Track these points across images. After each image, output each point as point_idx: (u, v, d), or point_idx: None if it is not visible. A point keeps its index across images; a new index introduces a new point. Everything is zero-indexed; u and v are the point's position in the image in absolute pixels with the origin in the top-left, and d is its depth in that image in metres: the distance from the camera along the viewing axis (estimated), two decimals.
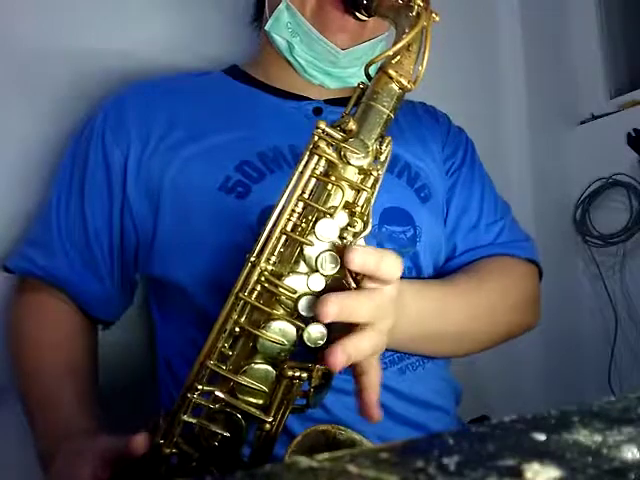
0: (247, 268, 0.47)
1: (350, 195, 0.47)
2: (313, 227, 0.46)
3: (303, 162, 0.48)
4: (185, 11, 0.98)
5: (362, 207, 0.47)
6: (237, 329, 0.47)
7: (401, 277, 0.48)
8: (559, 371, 1.28)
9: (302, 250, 0.46)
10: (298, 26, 0.71)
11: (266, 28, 0.74)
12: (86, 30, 0.90)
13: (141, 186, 0.71)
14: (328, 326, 0.45)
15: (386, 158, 0.49)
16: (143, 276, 0.81)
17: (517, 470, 0.23)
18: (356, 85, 0.76)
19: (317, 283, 0.46)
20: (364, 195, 0.47)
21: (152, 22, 0.95)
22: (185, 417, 0.47)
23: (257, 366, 0.47)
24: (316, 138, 0.47)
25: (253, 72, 0.81)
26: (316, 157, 0.47)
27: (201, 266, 0.67)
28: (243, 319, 0.47)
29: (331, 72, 0.74)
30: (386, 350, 0.52)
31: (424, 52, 0.50)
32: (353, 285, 0.46)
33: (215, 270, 0.66)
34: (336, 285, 0.46)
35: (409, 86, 0.49)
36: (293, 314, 0.46)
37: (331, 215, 0.46)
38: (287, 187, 0.47)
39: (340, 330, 0.46)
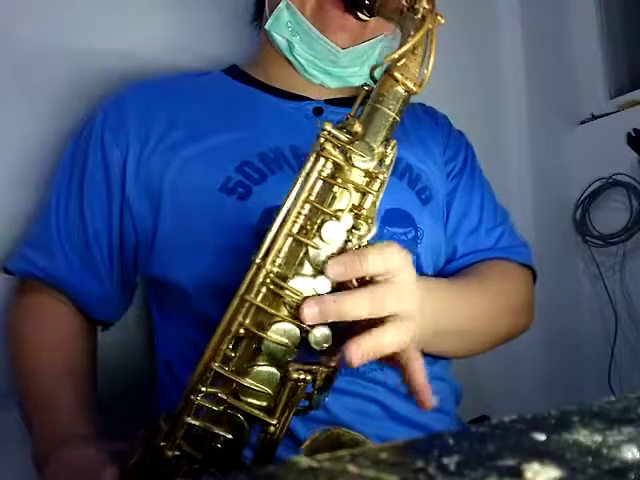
0: (253, 270, 0.47)
1: (356, 198, 0.47)
2: (319, 229, 0.46)
3: (309, 164, 0.48)
4: (185, 11, 0.98)
5: (367, 210, 0.47)
6: (242, 331, 0.47)
7: None
8: (559, 371, 1.28)
9: (307, 252, 0.46)
10: (298, 25, 0.71)
11: (266, 27, 0.74)
12: (86, 30, 0.90)
13: (141, 186, 0.71)
14: (333, 328, 0.45)
15: (391, 161, 0.50)
16: (143, 277, 0.81)
17: (517, 470, 0.23)
18: (357, 85, 0.78)
19: (323, 285, 0.46)
20: (370, 198, 0.47)
21: (152, 22, 0.95)
22: (189, 419, 0.47)
23: (261, 368, 0.47)
24: (322, 140, 0.47)
25: (253, 72, 0.81)
26: (322, 159, 0.47)
27: (201, 267, 0.67)
28: (248, 321, 0.46)
29: (331, 71, 0.74)
30: None
31: (430, 55, 0.50)
32: (355, 284, 0.46)
33: (216, 271, 0.66)
34: (342, 287, 0.46)
35: (415, 89, 0.49)
36: (298, 316, 0.46)
37: (337, 218, 0.46)
38: (293, 188, 0.47)
39: (349, 329, 0.46)
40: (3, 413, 0.77)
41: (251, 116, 0.75)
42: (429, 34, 0.50)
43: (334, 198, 0.47)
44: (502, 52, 1.35)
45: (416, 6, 0.51)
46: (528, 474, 0.23)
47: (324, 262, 0.46)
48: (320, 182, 0.47)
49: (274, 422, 0.46)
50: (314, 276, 0.46)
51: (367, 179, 0.48)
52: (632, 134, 1.26)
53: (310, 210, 0.47)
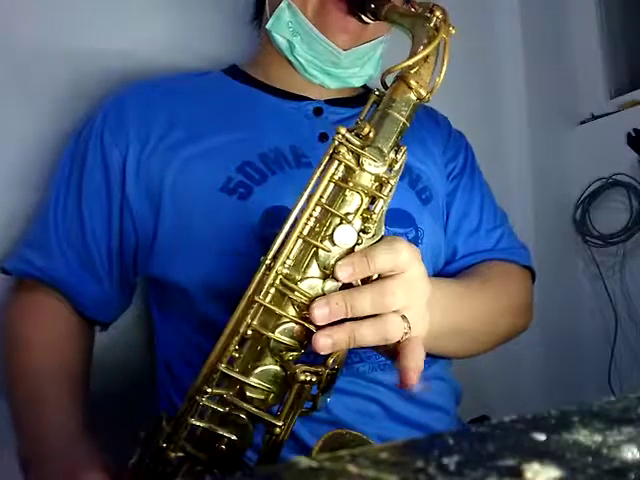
0: (262, 270, 0.47)
1: (365, 202, 0.48)
2: (329, 232, 0.46)
3: (322, 166, 0.48)
4: (185, 11, 0.98)
5: (377, 214, 0.48)
6: (249, 332, 0.47)
7: None
8: (559, 371, 1.28)
9: (317, 254, 0.47)
10: (299, 25, 0.71)
11: (267, 27, 0.74)
12: (86, 30, 0.90)
13: (141, 187, 0.71)
14: None
15: (400, 167, 0.50)
16: (143, 277, 0.81)
17: (517, 470, 0.23)
18: (357, 86, 0.78)
19: (331, 286, 0.46)
20: (380, 203, 0.48)
21: (152, 22, 0.95)
22: (193, 420, 0.47)
23: (267, 369, 0.47)
24: (337, 143, 0.47)
25: (253, 72, 0.81)
26: (336, 162, 0.47)
27: (202, 267, 0.67)
28: (256, 322, 0.47)
29: (331, 72, 0.74)
30: None
31: (442, 64, 0.50)
32: (359, 283, 0.46)
33: (216, 271, 0.66)
34: (349, 284, 0.47)
35: (427, 97, 0.50)
36: (306, 317, 0.46)
37: (349, 222, 0.46)
38: (306, 190, 0.47)
39: None
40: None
41: (251, 116, 0.75)
42: (442, 44, 0.51)
43: (344, 201, 0.47)
44: (502, 52, 1.35)
45: (429, 15, 0.52)
46: (528, 474, 0.23)
47: (333, 265, 0.46)
48: (332, 185, 0.47)
49: (280, 424, 0.46)
50: (323, 277, 0.46)
51: (377, 184, 0.48)
52: (632, 134, 1.26)
53: (321, 212, 0.47)
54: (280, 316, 0.46)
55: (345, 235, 0.46)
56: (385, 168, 0.48)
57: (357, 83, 0.77)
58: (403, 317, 0.46)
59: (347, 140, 0.47)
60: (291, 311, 0.47)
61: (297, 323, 0.46)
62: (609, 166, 1.31)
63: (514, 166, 1.33)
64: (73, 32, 0.89)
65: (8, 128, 0.84)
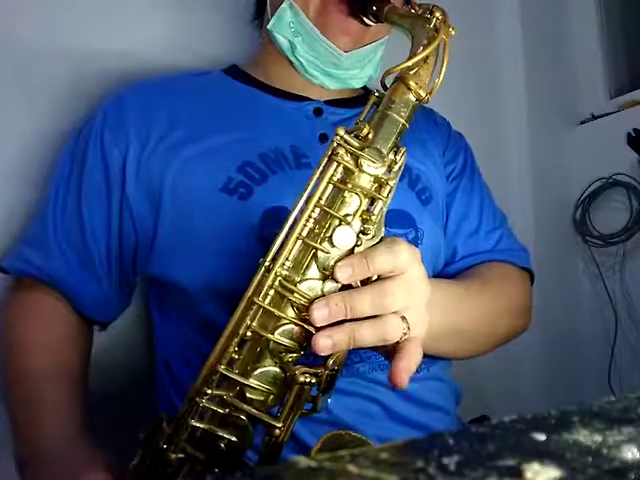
0: (261, 272, 0.47)
1: (365, 203, 0.48)
2: (328, 234, 0.46)
3: (321, 167, 0.48)
4: (185, 11, 0.98)
5: (376, 215, 0.48)
6: (249, 333, 0.47)
7: None
8: (559, 371, 1.28)
9: (316, 256, 0.47)
10: (300, 26, 0.71)
11: (268, 27, 0.74)
12: (86, 30, 0.90)
13: (141, 186, 0.71)
14: None
15: (399, 168, 0.50)
16: (143, 277, 0.81)
17: (517, 470, 0.23)
18: (357, 87, 0.78)
19: (331, 288, 0.46)
20: (379, 204, 0.48)
21: (152, 22, 0.95)
22: (193, 422, 0.47)
23: (267, 371, 0.47)
24: (335, 144, 0.47)
25: (253, 72, 0.81)
26: (335, 164, 0.47)
27: (202, 267, 0.67)
28: (255, 323, 0.47)
29: (332, 73, 0.74)
30: None
31: (442, 65, 0.50)
32: (359, 284, 0.46)
33: (216, 271, 0.66)
34: (348, 285, 0.47)
35: (427, 97, 0.50)
36: (305, 319, 0.46)
37: (348, 223, 0.46)
38: (305, 192, 0.47)
39: None
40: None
41: (251, 116, 0.75)
42: (442, 45, 0.51)
43: (343, 202, 0.47)
44: (502, 52, 1.35)
45: (429, 16, 0.52)
46: (528, 474, 0.23)
47: (333, 266, 0.46)
48: (331, 186, 0.47)
49: (279, 425, 0.46)
50: (322, 279, 0.46)
51: (376, 185, 0.48)
52: (632, 134, 1.26)
53: (320, 214, 0.47)
54: (279, 317, 0.46)
55: (344, 236, 0.46)
56: (384, 169, 0.48)
57: (357, 84, 0.77)
58: (402, 318, 0.46)
59: (346, 141, 0.47)
60: (290, 312, 0.47)
61: (296, 324, 0.46)
62: (609, 166, 1.31)
63: (514, 166, 1.33)
64: (73, 32, 0.89)
65: (8, 127, 0.84)
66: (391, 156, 0.49)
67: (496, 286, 0.75)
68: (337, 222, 0.47)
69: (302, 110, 0.76)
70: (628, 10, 1.43)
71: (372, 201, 0.48)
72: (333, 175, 0.47)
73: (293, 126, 0.74)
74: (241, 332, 0.47)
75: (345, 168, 0.47)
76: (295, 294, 0.46)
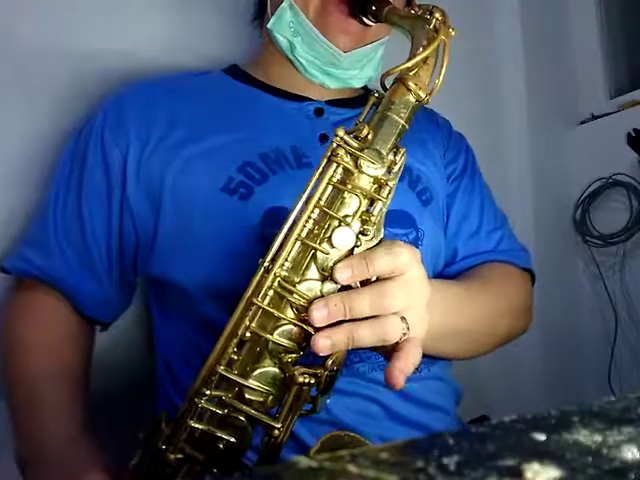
0: (260, 273, 0.47)
1: (364, 204, 0.48)
2: (327, 234, 0.46)
3: (320, 168, 0.48)
4: (185, 11, 0.98)
5: (376, 216, 0.48)
6: (248, 334, 0.47)
7: None
8: (559, 371, 1.28)
9: (316, 256, 0.47)
10: (300, 26, 0.71)
11: (268, 26, 0.74)
12: (86, 30, 0.90)
13: (141, 186, 0.71)
14: None
15: (399, 169, 0.50)
16: (143, 277, 0.81)
17: (517, 470, 0.23)
18: (357, 87, 0.78)
19: (330, 289, 0.46)
20: (379, 205, 0.48)
21: (152, 22, 0.95)
22: (192, 422, 0.47)
23: (266, 371, 0.47)
24: (335, 145, 0.47)
25: (253, 72, 0.81)
26: (334, 164, 0.47)
27: (202, 267, 0.67)
28: (254, 324, 0.47)
29: (332, 72, 0.74)
30: None
31: (441, 66, 0.50)
32: (359, 285, 0.46)
33: (216, 271, 0.66)
34: (347, 286, 0.47)
35: (426, 98, 0.50)
36: (304, 319, 0.46)
37: (348, 224, 0.46)
38: (304, 192, 0.47)
39: None
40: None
41: (251, 116, 0.75)
42: (441, 46, 0.51)
43: (342, 203, 0.47)
44: (502, 53, 1.35)
45: (428, 17, 0.52)
46: (528, 474, 0.23)
47: (332, 267, 0.46)
48: (330, 187, 0.47)
49: (278, 426, 0.46)
50: (321, 280, 0.46)
51: (375, 186, 0.48)
52: (632, 134, 1.26)
53: (319, 214, 0.47)
54: (279, 318, 0.46)
55: (343, 237, 0.46)
56: (384, 170, 0.48)
57: (357, 84, 0.77)
58: (402, 318, 0.46)
59: (345, 142, 0.47)
60: (290, 313, 0.47)
61: (296, 325, 0.46)
62: (609, 166, 1.31)
63: (514, 166, 1.33)
64: (73, 32, 0.89)
65: (8, 128, 0.84)
66: (391, 157, 0.49)
67: (497, 286, 0.75)
68: (336, 223, 0.47)
69: (303, 110, 0.76)
70: (628, 10, 1.43)
71: (372, 202, 0.48)
72: (333, 176, 0.47)
73: (294, 126, 0.74)
74: (240, 333, 0.47)
75: (345, 169, 0.47)
76: (294, 295, 0.46)
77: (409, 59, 0.50)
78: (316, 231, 0.47)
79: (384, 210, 0.49)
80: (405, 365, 0.45)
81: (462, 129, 0.90)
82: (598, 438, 0.26)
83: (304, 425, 0.60)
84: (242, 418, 0.46)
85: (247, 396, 0.46)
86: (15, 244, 0.78)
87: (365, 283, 0.47)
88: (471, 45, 1.26)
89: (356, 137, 0.48)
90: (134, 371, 0.88)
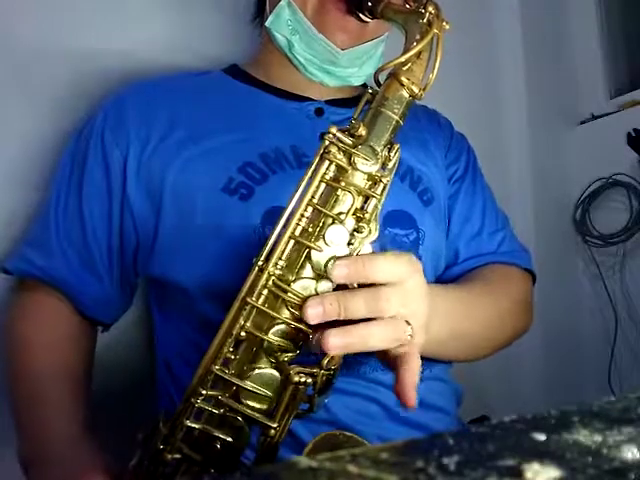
0: (254, 272, 0.47)
1: (358, 201, 0.47)
2: (321, 232, 0.46)
3: (313, 166, 0.48)
4: (185, 11, 0.98)
5: (370, 213, 0.47)
6: (243, 333, 0.46)
7: None
8: (559, 371, 1.28)
9: (310, 255, 0.46)
10: (298, 24, 0.71)
11: (266, 24, 0.74)
12: (86, 30, 0.90)
13: (142, 186, 0.71)
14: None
15: (394, 165, 0.50)
16: (143, 277, 0.81)
17: (517, 470, 0.23)
18: (357, 85, 0.78)
19: (325, 288, 0.46)
20: (373, 202, 0.48)
21: (152, 22, 0.95)
22: (189, 422, 0.47)
23: (262, 371, 0.47)
24: (327, 142, 0.47)
25: (253, 72, 0.81)
26: (327, 162, 0.47)
27: (202, 267, 0.67)
28: (249, 324, 0.46)
29: (330, 71, 0.74)
30: None
31: (435, 60, 0.50)
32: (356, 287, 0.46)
33: (217, 272, 0.66)
34: (343, 289, 0.46)
35: (420, 94, 0.50)
36: (300, 318, 0.46)
37: (340, 221, 0.46)
38: (297, 191, 0.47)
39: None
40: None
41: (251, 116, 0.75)
42: (435, 39, 0.50)
43: (337, 201, 0.47)
44: (502, 52, 1.35)
45: (422, 11, 0.51)
46: (528, 474, 0.23)
47: (326, 265, 0.46)
48: (323, 185, 0.47)
49: (275, 425, 0.46)
50: (316, 279, 0.46)
51: (370, 182, 0.48)
52: (632, 134, 1.26)
53: (313, 212, 0.47)
54: (273, 317, 0.46)
55: (337, 235, 0.46)
56: (378, 166, 0.48)
57: (356, 82, 0.77)
58: (406, 322, 0.46)
59: (338, 139, 0.47)
60: (285, 312, 0.46)
61: (291, 324, 0.46)
62: (609, 166, 1.31)
63: (514, 166, 1.33)
64: (73, 32, 0.89)
65: (8, 128, 0.84)
66: (385, 153, 0.49)
67: (498, 288, 0.74)
68: (330, 221, 0.46)
69: (303, 110, 0.76)
70: (628, 10, 1.43)
71: (367, 199, 0.48)
72: (325, 173, 0.47)
73: (294, 126, 0.74)
74: (235, 332, 0.47)
75: (338, 166, 0.47)
76: (289, 293, 0.46)
77: (402, 54, 0.50)
78: (310, 229, 0.47)
79: (379, 207, 0.48)
80: (414, 379, 0.46)
81: (462, 129, 0.90)
82: (598, 438, 0.26)
83: (304, 425, 0.60)
84: (239, 418, 0.46)
85: (243, 396, 0.46)
86: (16, 245, 0.78)
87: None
88: (471, 45, 1.27)
89: (350, 134, 0.48)
90: (134, 371, 0.88)
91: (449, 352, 0.69)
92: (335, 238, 0.46)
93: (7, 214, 0.84)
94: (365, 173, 0.47)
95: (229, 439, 0.47)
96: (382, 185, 0.48)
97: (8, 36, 0.85)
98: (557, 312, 1.28)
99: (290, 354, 0.47)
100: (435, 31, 0.50)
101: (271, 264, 0.46)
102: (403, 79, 0.49)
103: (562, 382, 1.27)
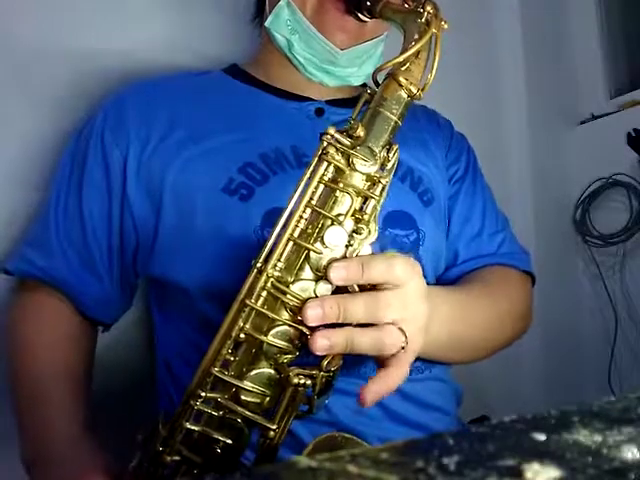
0: (253, 274, 0.47)
1: (357, 202, 0.47)
2: (320, 234, 0.46)
3: (311, 167, 0.47)
4: (185, 11, 0.98)
5: (369, 214, 0.47)
6: (242, 335, 0.46)
7: None
8: (559, 371, 1.28)
9: (309, 256, 0.46)
10: (297, 24, 0.71)
11: (266, 24, 0.74)
12: (86, 30, 0.90)
13: (142, 186, 0.71)
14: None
15: (393, 166, 0.50)
16: (144, 277, 0.81)
17: (517, 470, 0.23)
18: (356, 85, 0.78)
19: (324, 290, 0.46)
20: (372, 203, 0.47)
21: (152, 22, 0.95)
22: (188, 424, 0.47)
23: (261, 372, 0.47)
24: (325, 144, 0.47)
25: (253, 71, 0.80)
26: (325, 163, 0.47)
27: (203, 268, 0.67)
28: (248, 325, 0.46)
29: (330, 70, 0.74)
30: None
31: (434, 60, 0.50)
32: (357, 290, 0.46)
33: (217, 272, 0.66)
34: (343, 291, 0.46)
35: (418, 94, 0.49)
36: (298, 320, 0.46)
37: (339, 222, 0.46)
38: (295, 192, 0.47)
39: None
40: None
41: (252, 116, 0.75)
42: (433, 39, 0.50)
43: (335, 202, 0.47)
44: (502, 52, 1.35)
45: (421, 10, 0.51)
46: (528, 474, 0.23)
47: (325, 266, 0.46)
48: (322, 186, 0.47)
49: (274, 427, 0.46)
50: (315, 280, 0.46)
51: (369, 183, 0.48)
52: (632, 134, 1.26)
53: (312, 214, 0.47)
54: (273, 319, 0.46)
55: (335, 236, 0.46)
56: (376, 167, 0.48)
57: (356, 82, 0.77)
58: (401, 331, 0.46)
59: (336, 140, 0.47)
60: (284, 314, 0.46)
61: (290, 326, 0.46)
62: (609, 166, 1.31)
63: (514, 166, 1.33)
64: (73, 32, 0.89)
65: (8, 128, 0.84)
66: (383, 154, 0.49)
67: (497, 290, 0.74)
68: (329, 222, 0.46)
69: (303, 110, 0.76)
70: (628, 10, 1.43)
71: (365, 200, 0.48)
72: (324, 175, 0.47)
73: (294, 126, 0.74)
74: (234, 334, 0.46)
75: (336, 167, 0.47)
76: (288, 295, 0.46)
77: (401, 53, 0.49)
78: (309, 231, 0.47)
79: (378, 208, 0.48)
80: (381, 388, 0.46)
81: (462, 129, 0.90)
82: (598, 438, 0.26)
83: (304, 425, 0.60)
84: (238, 420, 0.46)
85: (243, 397, 0.46)
86: (16, 245, 0.78)
87: (363, 291, 0.47)
88: (471, 45, 1.27)
89: (348, 135, 0.48)
90: (134, 371, 0.88)
91: (448, 354, 0.69)
92: (334, 240, 0.46)
93: (7, 214, 0.84)
94: (364, 174, 0.47)
95: (228, 441, 0.47)
96: (381, 186, 0.48)
97: (8, 36, 0.85)
98: (557, 312, 1.28)
99: (289, 356, 0.47)
100: (433, 31, 0.50)
101: (270, 266, 0.46)
102: (401, 79, 0.49)
103: (562, 382, 1.27)
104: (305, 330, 0.46)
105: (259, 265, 0.47)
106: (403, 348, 0.46)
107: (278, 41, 0.74)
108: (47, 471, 0.59)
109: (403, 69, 0.49)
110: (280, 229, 0.47)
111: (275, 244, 0.47)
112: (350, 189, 0.47)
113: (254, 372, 0.46)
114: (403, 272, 0.46)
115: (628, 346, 1.27)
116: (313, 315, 0.44)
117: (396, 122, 0.49)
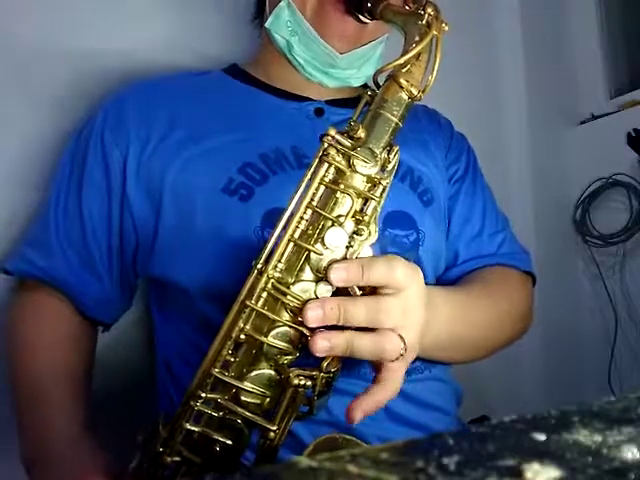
0: (253, 275, 0.47)
1: (358, 203, 0.47)
2: (321, 235, 0.46)
3: (312, 169, 0.47)
4: (185, 11, 0.98)
5: (369, 215, 0.47)
6: (242, 336, 0.46)
7: None
8: (559, 371, 1.28)
9: (309, 257, 0.46)
10: (297, 25, 0.71)
11: (266, 25, 0.74)
12: (86, 30, 0.90)
13: (141, 187, 0.71)
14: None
15: (393, 167, 0.50)
16: (144, 278, 0.81)
17: (517, 470, 0.23)
18: (356, 85, 0.78)
19: (324, 291, 0.46)
20: (372, 204, 0.47)
21: (152, 22, 0.95)
22: (188, 425, 0.47)
23: (262, 373, 0.47)
24: (326, 145, 0.47)
25: (253, 71, 0.80)
26: (326, 164, 0.47)
27: (202, 268, 0.67)
28: (249, 326, 0.46)
29: (329, 72, 0.74)
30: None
31: (434, 62, 0.50)
32: (358, 292, 0.46)
33: (217, 272, 0.66)
34: (343, 293, 0.46)
35: (419, 95, 0.50)
36: (299, 321, 0.46)
37: (340, 224, 0.46)
38: (296, 193, 0.47)
39: None
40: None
41: (251, 116, 0.75)
42: (434, 41, 0.50)
43: (336, 203, 0.47)
44: (502, 52, 1.35)
45: (422, 12, 0.51)
46: (528, 474, 0.23)
47: (326, 268, 0.46)
48: (323, 187, 0.47)
49: (274, 428, 0.46)
50: (315, 281, 0.46)
51: (369, 185, 0.48)
52: (632, 134, 1.26)
53: (312, 215, 0.47)
54: (273, 320, 0.46)
55: (336, 237, 0.46)
56: (377, 169, 0.48)
57: (356, 83, 0.77)
58: (401, 337, 0.46)
59: (337, 142, 0.47)
60: (284, 315, 0.46)
61: (290, 327, 0.46)
62: (609, 166, 1.31)
63: (514, 166, 1.33)
64: (73, 32, 0.89)
65: (8, 128, 0.84)
66: (384, 155, 0.49)
67: (497, 290, 0.74)
68: (329, 223, 0.46)
69: (303, 110, 0.76)
70: (628, 10, 1.43)
71: (366, 201, 0.48)
72: (324, 176, 0.47)
73: (294, 126, 0.74)
74: (234, 335, 0.46)
75: (337, 168, 0.47)
76: (288, 296, 0.46)
77: (401, 55, 0.50)
78: (310, 232, 0.47)
79: (378, 209, 0.48)
80: (367, 406, 0.46)
81: (462, 129, 0.90)
82: (598, 438, 0.26)
83: (305, 426, 0.60)
84: (238, 420, 0.46)
85: (243, 398, 0.46)
86: (16, 245, 0.78)
87: (364, 295, 0.47)
88: (471, 45, 1.27)
89: (348, 136, 0.48)
90: (134, 371, 0.88)
91: (448, 354, 0.69)
92: (334, 241, 0.46)
93: (7, 214, 0.84)
94: (364, 175, 0.47)
95: (228, 442, 0.47)
96: (381, 187, 0.48)
97: (8, 36, 0.85)
98: (557, 312, 1.28)
99: (290, 357, 0.47)
100: (434, 33, 0.50)
101: (270, 267, 0.46)
102: (402, 81, 0.49)
103: (562, 382, 1.27)
104: (305, 331, 0.46)
105: (259, 266, 0.47)
106: (402, 355, 0.46)
107: (278, 42, 0.74)
108: (47, 471, 0.59)
109: (404, 71, 0.49)
110: (280, 230, 0.47)
111: (276, 245, 0.47)
112: (351, 190, 0.47)
113: (254, 373, 0.46)
114: (404, 276, 0.46)
115: (628, 346, 1.27)
116: (313, 316, 0.44)
117: (397, 124, 0.49)
